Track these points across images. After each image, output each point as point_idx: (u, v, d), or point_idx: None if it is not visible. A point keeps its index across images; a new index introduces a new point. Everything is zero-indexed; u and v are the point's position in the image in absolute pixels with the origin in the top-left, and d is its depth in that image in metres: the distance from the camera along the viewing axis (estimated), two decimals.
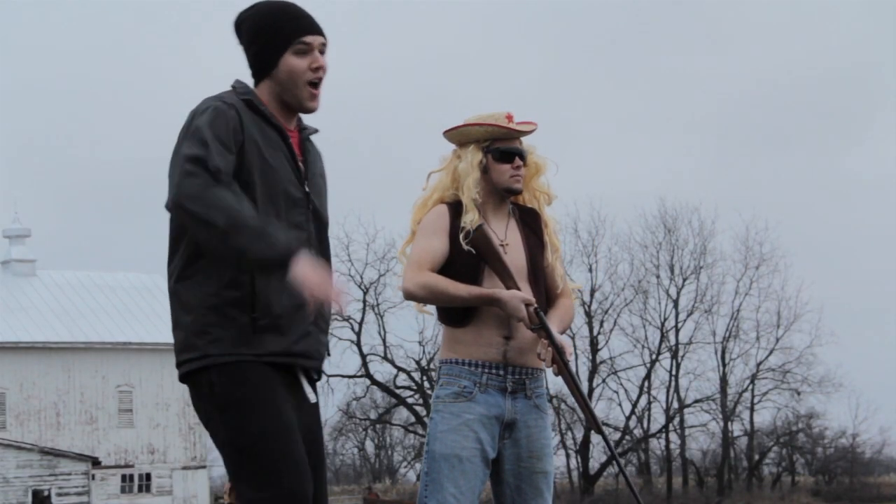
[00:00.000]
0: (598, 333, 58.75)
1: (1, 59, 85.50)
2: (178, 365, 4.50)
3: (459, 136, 5.47)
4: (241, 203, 4.24)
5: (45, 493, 48.62)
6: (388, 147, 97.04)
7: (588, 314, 58.19)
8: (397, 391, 58.28)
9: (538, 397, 5.40)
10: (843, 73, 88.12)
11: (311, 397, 4.58)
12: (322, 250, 4.60)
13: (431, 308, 5.46)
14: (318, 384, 4.65)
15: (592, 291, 58.33)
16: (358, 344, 56.77)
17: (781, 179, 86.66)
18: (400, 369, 57.78)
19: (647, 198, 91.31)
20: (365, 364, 57.25)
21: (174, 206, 4.26)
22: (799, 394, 59.67)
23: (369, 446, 77.64)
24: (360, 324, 56.64)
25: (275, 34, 4.47)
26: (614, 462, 6.39)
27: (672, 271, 59.40)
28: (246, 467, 4.38)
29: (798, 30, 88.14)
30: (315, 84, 4.53)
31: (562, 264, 5.55)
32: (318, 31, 4.54)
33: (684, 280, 59.36)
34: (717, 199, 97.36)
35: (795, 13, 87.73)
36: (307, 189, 4.56)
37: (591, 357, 58.50)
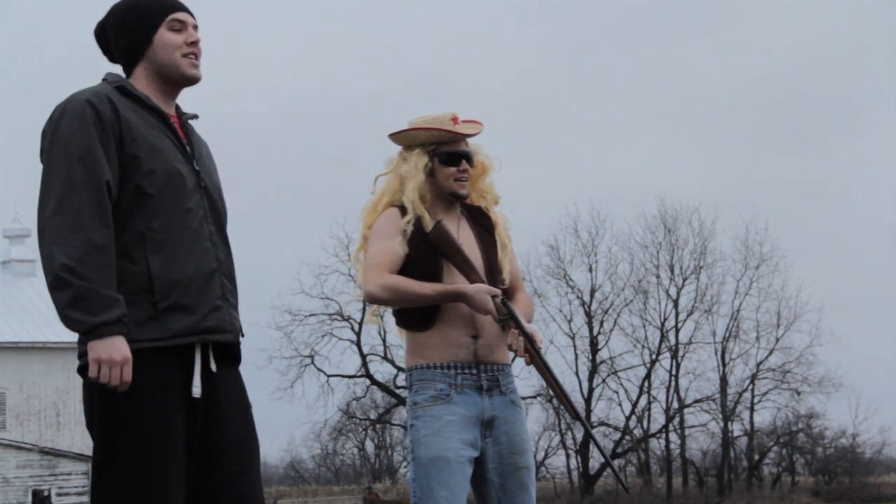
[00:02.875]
0: (598, 333, 58.58)
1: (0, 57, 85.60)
2: (79, 356, 4.17)
3: (405, 140, 5.46)
4: (103, 255, 4.08)
5: (45, 493, 48.60)
6: (388, 147, 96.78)
7: (588, 314, 58.07)
8: (397, 391, 58.19)
9: (512, 392, 5.37)
10: (844, 72, 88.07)
11: (213, 367, 4.28)
12: (221, 238, 4.45)
13: (387, 316, 5.44)
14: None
15: (592, 291, 58.18)
16: (358, 344, 56.71)
17: (781, 179, 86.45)
18: (400, 369, 57.57)
19: (647, 198, 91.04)
20: (365, 364, 57.19)
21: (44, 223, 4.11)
22: (799, 394, 59.52)
23: (369, 446, 77.53)
24: (360, 324, 56.54)
25: (145, 14, 4.42)
26: (591, 441, 6.19)
27: (672, 271, 59.26)
28: (112, 482, 4.10)
29: (799, 29, 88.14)
30: (195, 56, 4.49)
31: (513, 261, 5.52)
32: (188, 10, 4.52)
33: (684, 280, 59.22)
34: (717, 199, 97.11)
35: (796, 12, 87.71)
36: (197, 167, 4.43)
37: (590, 357, 58.38)
